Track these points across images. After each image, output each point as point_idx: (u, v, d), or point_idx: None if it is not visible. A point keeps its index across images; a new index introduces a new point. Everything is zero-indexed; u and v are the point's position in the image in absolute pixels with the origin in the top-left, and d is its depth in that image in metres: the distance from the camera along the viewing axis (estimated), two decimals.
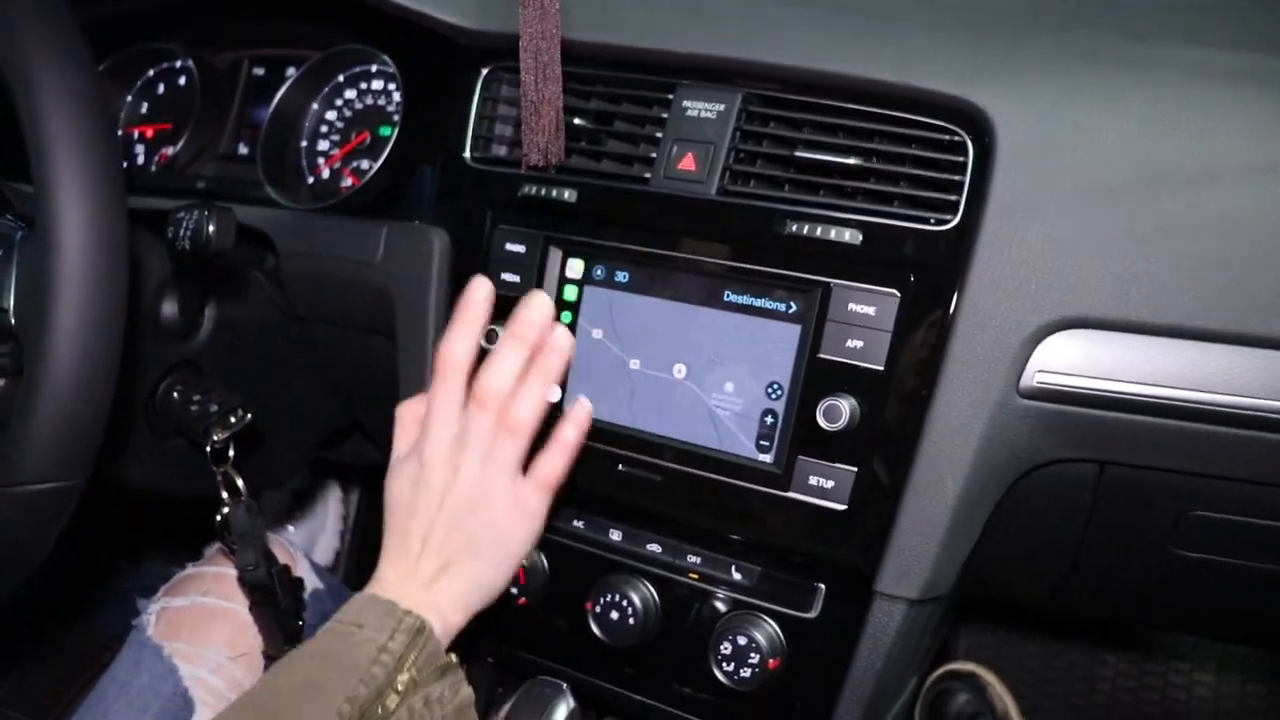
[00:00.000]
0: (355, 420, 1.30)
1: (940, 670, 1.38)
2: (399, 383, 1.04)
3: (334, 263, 1.06)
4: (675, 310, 0.92)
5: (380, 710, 0.69)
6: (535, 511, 0.82)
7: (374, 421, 1.27)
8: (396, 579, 0.78)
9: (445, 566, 0.78)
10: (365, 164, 1.13)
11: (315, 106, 1.16)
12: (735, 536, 0.94)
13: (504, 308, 0.97)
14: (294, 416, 1.20)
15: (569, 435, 0.83)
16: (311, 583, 1.14)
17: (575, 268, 0.97)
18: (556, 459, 0.83)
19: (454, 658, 0.76)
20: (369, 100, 1.14)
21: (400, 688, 0.71)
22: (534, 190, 0.97)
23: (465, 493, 0.79)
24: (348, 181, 1.13)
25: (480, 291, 0.81)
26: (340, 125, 1.15)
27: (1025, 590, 1.05)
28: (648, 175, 0.92)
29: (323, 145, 1.16)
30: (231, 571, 1.07)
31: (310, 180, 1.15)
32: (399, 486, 0.81)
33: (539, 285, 0.97)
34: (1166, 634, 1.52)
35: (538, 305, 0.80)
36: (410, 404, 0.85)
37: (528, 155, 0.86)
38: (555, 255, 0.97)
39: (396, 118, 1.11)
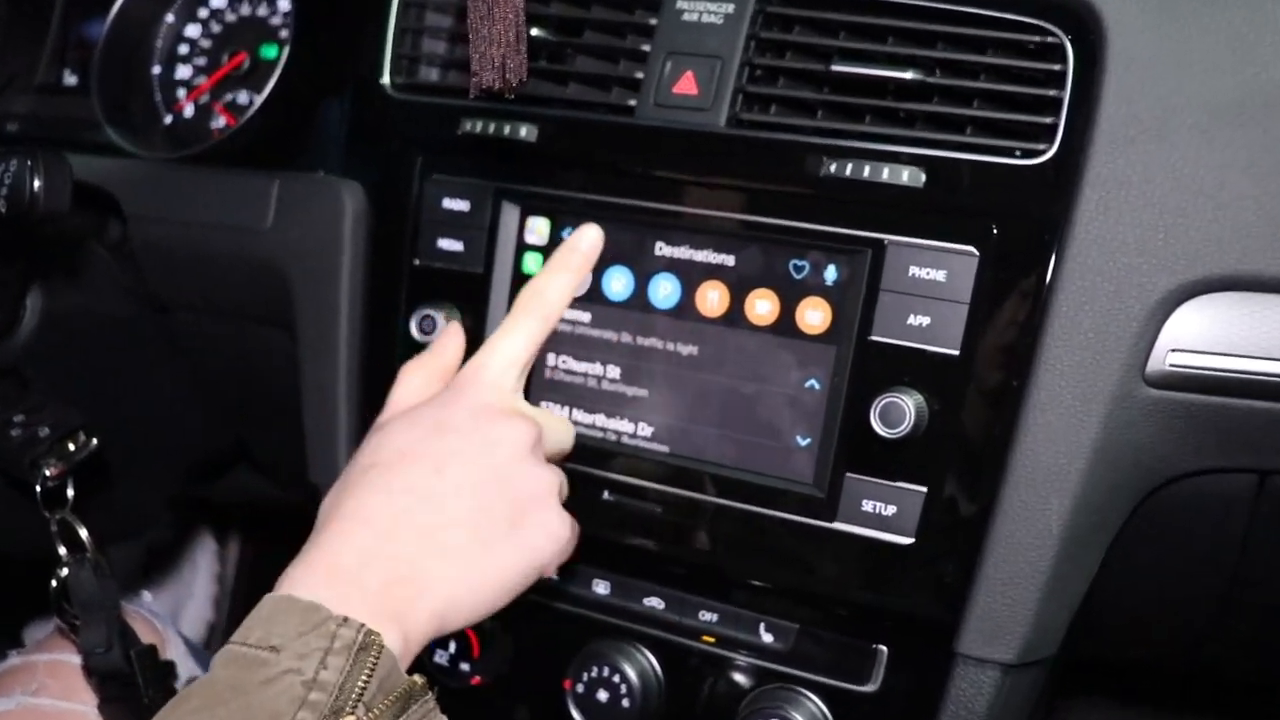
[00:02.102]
0: (238, 444, 1.29)
1: None
2: (301, 391, 1.04)
3: (205, 231, 1.06)
4: (671, 281, 0.94)
5: None
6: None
7: (265, 445, 1.26)
8: (327, 572, 0.72)
9: (416, 575, 0.73)
10: (244, 96, 1.12)
11: (170, 19, 1.14)
12: (763, 584, 0.94)
13: (446, 286, 0.99)
14: (154, 441, 1.19)
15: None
16: (186, 668, 1.11)
17: (538, 229, 0.97)
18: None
19: (419, 680, 0.70)
20: (246, 9, 1.13)
21: None
22: (480, 126, 0.96)
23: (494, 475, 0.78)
24: (220, 121, 1.12)
25: (589, 240, 0.84)
26: (207, 45, 1.13)
27: (1158, 646, 1.05)
28: (633, 102, 0.92)
29: (183, 72, 1.14)
30: (73, 658, 1.04)
31: (168, 120, 1.14)
32: (389, 447, 0.78)
33: (490, 252, 0.98)
34: None
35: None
36: (427, 359, 0.87)
37: (478, 75, 0.84)
38: (511, 213, 0.97)
39: (285, 33, 1.09)
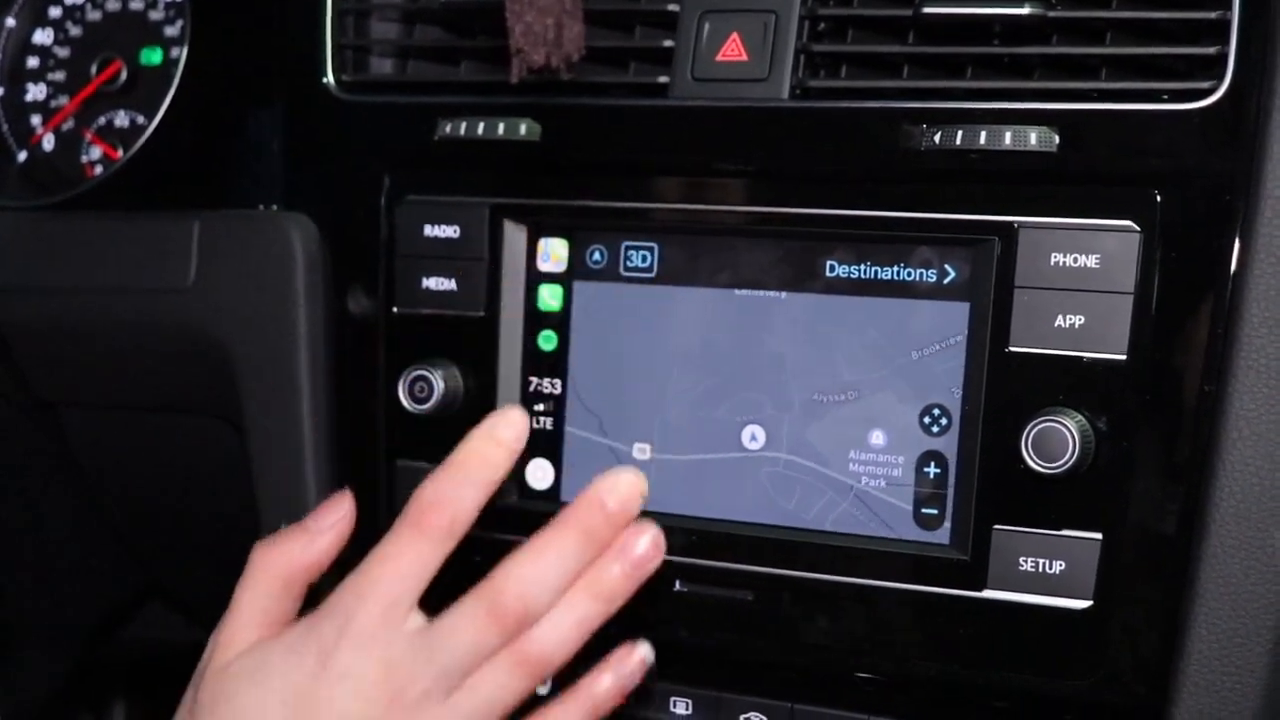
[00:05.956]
0: (146, 585, 1.22)
1: None
2: (258, 500, 0.97)
3: (100, 300, 1.00)
4: (740, 306, 0.89)
5: None
6: None
7: (190, 576, 1.19)
8: None
9: None
10: (123, 118, 1.07)
11: (10, 23, 1.09)
12: (897, 680, 0.87)
13: (439, 337, 0.94)
14: (45, 592, 1.12)
15: (604, 686, 0.74)
16: None
17: (554, 253, 0.93)
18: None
19: None
20: (113, 3, 1.07)
21: None
22: (464, 128, 0.92)
23: None
24: (95, 153, 1.07)
25: (511, 428, 0.73)
26: (65, 54, 1.08)
27: None
28: (664, 79, 0.89)
29: (36, 92, 1.09)
30: None
31: (22, 157, 1.09)
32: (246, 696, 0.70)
33: (493, 289, 0.93)
34: None
35: (626, 482, 0.72)
36: (284, 550, 0.74)
37: (523, 52, 0.77)
38: (516, 236, 0.93)
39: (170, 30, 1.04)
